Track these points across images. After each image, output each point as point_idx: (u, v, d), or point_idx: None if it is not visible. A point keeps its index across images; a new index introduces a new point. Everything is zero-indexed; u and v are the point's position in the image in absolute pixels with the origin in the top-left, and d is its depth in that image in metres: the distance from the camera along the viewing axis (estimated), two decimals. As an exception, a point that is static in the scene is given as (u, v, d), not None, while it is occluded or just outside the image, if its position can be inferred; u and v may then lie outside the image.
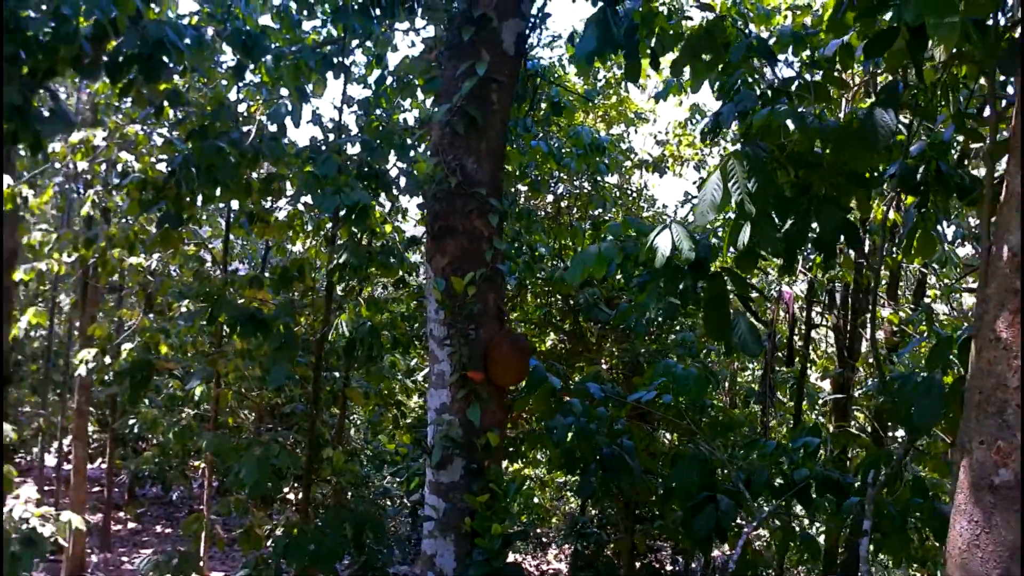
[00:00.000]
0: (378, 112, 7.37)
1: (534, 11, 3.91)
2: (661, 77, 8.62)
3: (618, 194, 8.85)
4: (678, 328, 7.59)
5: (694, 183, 9.63)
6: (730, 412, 6.99)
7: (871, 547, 3.78)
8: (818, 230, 3.18)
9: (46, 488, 13.06)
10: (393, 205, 8.22)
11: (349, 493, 8.15)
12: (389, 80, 7.67)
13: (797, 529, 4.35)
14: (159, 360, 6.27)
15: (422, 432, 5.48)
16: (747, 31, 3.80)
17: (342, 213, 6.00)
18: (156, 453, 11.96)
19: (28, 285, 12.69)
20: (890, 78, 3.74)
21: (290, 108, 5.43)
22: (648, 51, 4.01)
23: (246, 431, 10.13)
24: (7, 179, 7.13)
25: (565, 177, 7.38)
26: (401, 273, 6.89)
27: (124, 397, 9.86)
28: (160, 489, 14.47)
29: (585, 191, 8.39)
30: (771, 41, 3.74)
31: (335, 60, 6.76)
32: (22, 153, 8.43)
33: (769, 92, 3.37)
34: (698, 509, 3.87)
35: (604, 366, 8.04)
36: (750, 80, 3.69)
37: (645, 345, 6.64)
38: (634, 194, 9.10)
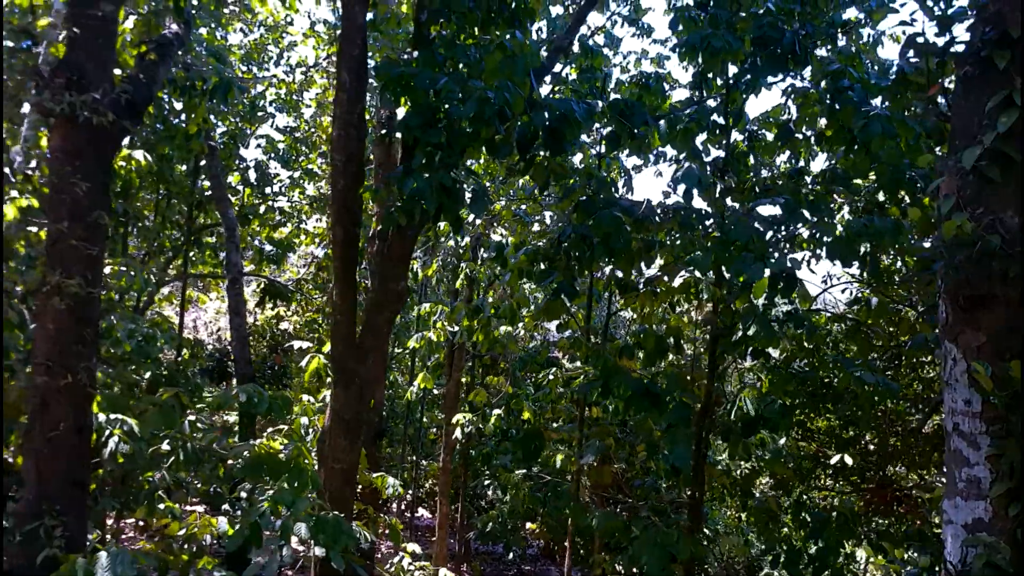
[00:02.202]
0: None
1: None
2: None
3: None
4: None
5: None
6: None
7: None
8: None
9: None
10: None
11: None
12: (740, 137, 7.26)
13: None
14: (546, 430, 6.26)
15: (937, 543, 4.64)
16: None
17: (737, 279, 5.57)
18: (500, 513, 12.37)
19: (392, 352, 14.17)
20: None
21: (696, 172, 5.16)
22: None
23: (583, 497, 9.99)
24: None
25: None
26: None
27: (487, 453, 10.34)
28: (498, 547, 14.99)
29: None
30: None
31: (711, 118, 6.51)
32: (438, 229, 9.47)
33: None
34: None
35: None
36: None
37: None
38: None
